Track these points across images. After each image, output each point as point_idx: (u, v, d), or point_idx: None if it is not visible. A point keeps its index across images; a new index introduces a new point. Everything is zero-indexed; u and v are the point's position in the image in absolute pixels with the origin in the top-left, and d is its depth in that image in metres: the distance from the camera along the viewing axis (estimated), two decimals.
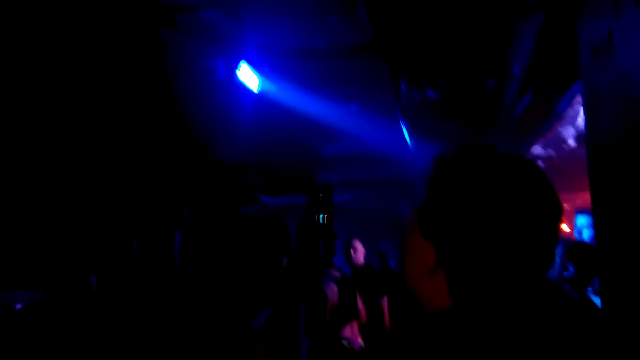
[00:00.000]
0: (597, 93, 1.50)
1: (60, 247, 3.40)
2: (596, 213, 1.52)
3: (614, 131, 1.35)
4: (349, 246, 4.17)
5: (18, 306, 2.77)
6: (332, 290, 3.71)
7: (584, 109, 1.71)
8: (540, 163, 5.75)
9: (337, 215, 6.25)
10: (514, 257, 0.79)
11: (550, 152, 5.35)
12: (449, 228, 0.82)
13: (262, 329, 1.90)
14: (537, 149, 5.11)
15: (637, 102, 1.19)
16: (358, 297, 3.43)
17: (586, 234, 3.86)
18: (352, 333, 3.18)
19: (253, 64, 4.11)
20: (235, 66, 3.96)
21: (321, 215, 1.44)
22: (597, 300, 2.93)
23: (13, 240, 3.00)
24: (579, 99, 3.79)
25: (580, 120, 5.16)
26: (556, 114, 3.76)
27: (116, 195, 4.07)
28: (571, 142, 5.15)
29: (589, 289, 3.85)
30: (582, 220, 3.88)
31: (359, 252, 4.15)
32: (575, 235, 3.93)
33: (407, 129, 4.26)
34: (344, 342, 2.89)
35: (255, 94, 4.38)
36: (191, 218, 5.51)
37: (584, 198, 2.20)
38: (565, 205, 0.92)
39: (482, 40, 4.18)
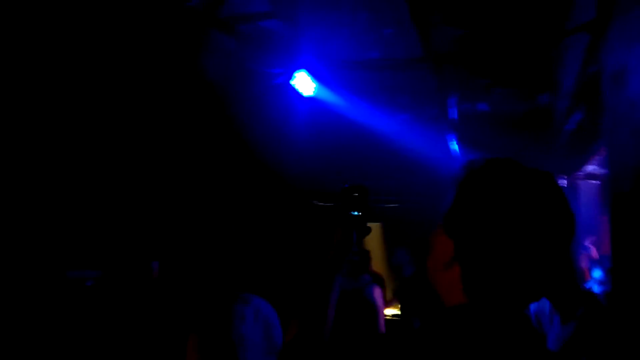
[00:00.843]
0: (615, 116, 1.55)
1: (129, 234, 3.69)
2: (615, 222, 1.57)
3: (629, 152, 1.41)
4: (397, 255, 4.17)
5: (89, 283, 3.06)
6: (378, 294, 3.76)
7: (603, 129, 1.77)
8: (595, 182, 5.62)
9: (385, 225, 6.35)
10: (524, 262, 0.89)
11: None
12: (468, 229, 0.92)
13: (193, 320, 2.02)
14: (591, 167, 5.03)
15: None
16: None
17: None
18: None
19: (309, 71, 4.30)
20: (290, 73, 4.16)
21: (355, 212, 1.53)
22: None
23: (86, 222, 3.30)
24: None
25: None
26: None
27: (190, 190, 4.33)
28: None
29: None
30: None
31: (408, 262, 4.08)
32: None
33: (456, 142, 4.31)
34: None
35: (308, 100, 4.57)
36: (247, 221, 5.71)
37: None
38: None
39: (532, 56, 4.20)
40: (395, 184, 5.86)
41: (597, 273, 4.11)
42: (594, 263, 4.35)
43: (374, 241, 6.00)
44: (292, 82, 4.20)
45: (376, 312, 3.67)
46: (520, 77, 4.31)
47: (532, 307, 1.99)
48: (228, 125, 4.53)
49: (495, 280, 0.90)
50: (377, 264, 5.01)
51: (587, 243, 4.89)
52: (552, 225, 0.90)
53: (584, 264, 4.65)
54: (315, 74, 4.46)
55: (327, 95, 4.69)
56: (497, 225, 0.90)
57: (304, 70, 4.37)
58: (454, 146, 4.39)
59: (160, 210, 4.09)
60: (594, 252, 4.79)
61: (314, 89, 4.58)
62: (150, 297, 3.69)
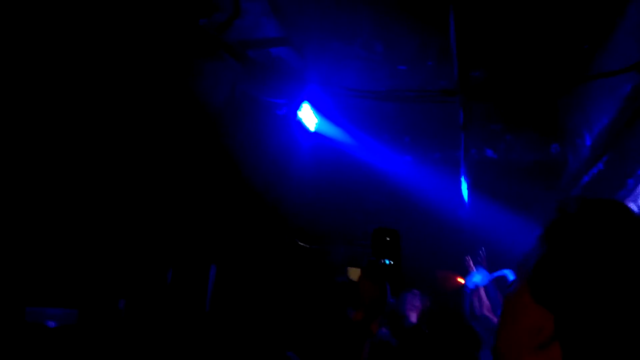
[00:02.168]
0: None
1: (95, 268, 3.31)
2: None
3: None
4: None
5: (51, 324, 2.65)
6: None
7: None
8: None
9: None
10: None
11: None
12: (578, 292, 0.66)
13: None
14: None
15: None
16: None
17: None
18: None
19: (314, 103, 4.09)
20: (296, 104, 3.93)
21: (387, 260, 1.34)
22: None
23: (47, 254, 2.91)
24: None
25: None
26: (628, 188, 3.56)
27: (158, 224, 3.99)
28: None
29: None
30: None
31: (414, 309, 3.66)
32: None
33: (467, 186, 4.12)
34: None
35: (310, 134, 4.34)
36: (227, 255, 5.38)
37: None
38: None
39: (548, 103, 4.10)
40: (399, 227, 5.61)
41: None
42: None
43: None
44: (298, 115, 3.97)
45: None
46: (532, 124, 4.19)
47: None
48: (224, 153, 4.25)
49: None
50: None
51: None
52: None
53: None
54: (321, 108, 4.26)
55: (331, 130, 4.47)
56: (626, 293, 0.64)
57: (308, 103, 4.16)
58: (464, 191, 4.19)
59: (133, 245, 3.74)
60: None
61: (316, 123, 4.37)
62: (119, 338, 3.32)
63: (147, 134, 3.48)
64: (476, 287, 3.74)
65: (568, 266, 0.68)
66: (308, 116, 4.27)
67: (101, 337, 3.17)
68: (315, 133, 4.46)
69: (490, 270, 3.61)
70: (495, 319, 3.35)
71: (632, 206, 4.64)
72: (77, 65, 2.75)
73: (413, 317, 3.62)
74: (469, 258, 3.72)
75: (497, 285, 3.61)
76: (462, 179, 3.95)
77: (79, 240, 3.39)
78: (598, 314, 0.64)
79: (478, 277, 3.65)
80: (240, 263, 5.21)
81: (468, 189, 4.12)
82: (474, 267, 3.69)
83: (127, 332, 3.40)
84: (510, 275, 3.39)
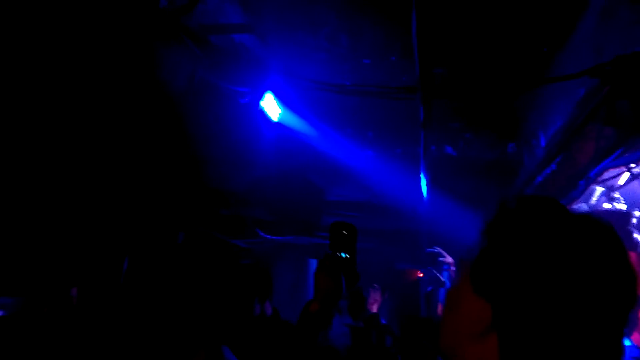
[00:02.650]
0: None
1: (48, 256, 3.20)
2: None
3: None
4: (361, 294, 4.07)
5: (0, 313, 2.56)
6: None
7: None
8: None
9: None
10: (588, 337, 0.66)
11: None
12: (513, 283, 0.68)
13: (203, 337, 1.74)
14: None
15: None
16: None
17: None
18: None
19: (277, 93, 4.04)
20: (259, 93, 3.88)
21: (343, 253, 1.35)
22: None
23: None
24: (605, 174, 3.73)
25: (595, 199, 5.11)
26: (579, 189, 3.68)
27: (112, 210, 3.88)
28: None
29: None
30: None
31: (375, 302, 4.05)
32: None
33: (426, 182, 4.17)
34: None
35: (273, 124, 4.29)
36: (185, 243, 5.28)
37: None
38: None
39: (507, 103, 4.18)
40: (359, 222, 5.63)
41: None
42: None
43: None
44: (261, 104, 3.91)
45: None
46: (491, 124, 4.27)
47: None
48: (179, 140, 4.15)
49: (555, 351, 0.66)
50: None
51: None
52: (619, 289, 0.68)
53: None
54: (283, 98, 4.22)
55: (294, 122, 4.44)
56: (558, 285, 0.66)
57: (271, 92, 4.11)
58: (424, 187, 4.24)
59: (87, 233, 3.63)
60: None
61: (278, 113, 4.33)
62: (71, 327, 3.24)
63: (99, 118, 3.36)
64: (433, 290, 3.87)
65: (505, 259, 0.70)
66: (271, 106, 4.22)
67: (51, 325, 3.08)
68: (278, 123, 4.42)
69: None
70: None
71: (583, 206, 4.80)
72: (28, 44, 2.63)
73: (374, 309, 3.90)
74: (439, 249, 3.82)
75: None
76: (422, 176, 4.00)
77: (27, 228, 3.27)
78: (532, 305, 0.66)
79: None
80: (194, 253, 5.08)
81: (427, 185, 4.18)
82: (448, 257, 3.78)
83: (78, 319, 3.32)
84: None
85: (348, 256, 1.36)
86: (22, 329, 2.69)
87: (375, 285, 4.21)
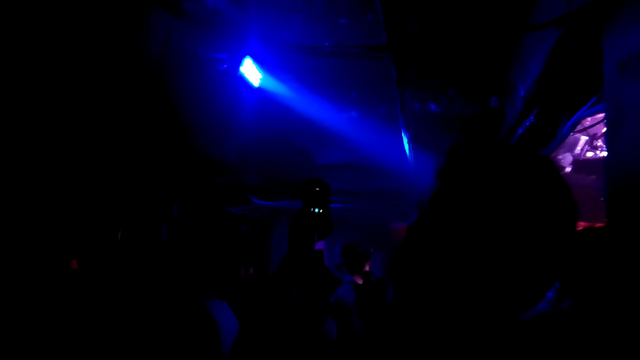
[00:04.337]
0: (622, 109, 1.43)
1: (43, 229, 3.28)
2: (612, 231, 1.45)
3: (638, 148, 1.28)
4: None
5: None
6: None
7: (606, 125, 1.65)
8: None
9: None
10: (517, 259, 0.74)
11: None
12: (462, 222, 0.77)
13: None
14: None
15: None
16: None
17: None
18: None
19: (256, 58, 4.03)
20: (238, 59, 3.87)
21: (317, 209, 1.38)
22: None
23: None
24: (584, 123, 3.75)
25: (579, 148, 5.14)
26: (558, 139, 3.70)
27: (105, 184, 3.94)
28: (568, 169, 5.12)
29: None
30: None
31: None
32: None
33: (408, 140, 4.19)
34: None
35: (255, 90, 4.29)
36: (180, 213, 5.37)
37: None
38: None
39: (488, 57, 4.15)
40: (340, 184, 5.69)
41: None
42: None
43: None
44: (238, 69, 3.90)
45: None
46: (474, 78, 4.25)
47: None
48: (163, 110, 4.17)
49: (483, 283, 0.75)
50: None
51: None
52: (553, 216, 0.76)
53: None
54: (263, 63, 4.20)
55: (275, 86, 4.43)
56: (488, 215, 0.75)
57: (250, 57, 4.09)
58: (406, 145, 4.27)
59: (80, 206, 3.70)
60: None
61: (259, 78, 4.32)
62: (72, 295, 3.35)
63: (77, 89, 3.37)
64: None
65: (454, 198, 0.79)
66: (251, 71, 4.21)
67: (53, 293, 3.19)
68: (260, 89, 4.41)
69: None
70: None
71: (568, 156, 4.82)
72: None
73: (366, 268, 4.01)
74: None
75: None
76: (403, 135, 4.03)
77: (24, 200, 3.34)
78: (480, 241, 0.75)
79: None
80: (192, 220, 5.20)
81: (410, 143, 4.21)
82: None
83: (80, 288, 3.42)
84: None
85: (321, 211, 1.44)
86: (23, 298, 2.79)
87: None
